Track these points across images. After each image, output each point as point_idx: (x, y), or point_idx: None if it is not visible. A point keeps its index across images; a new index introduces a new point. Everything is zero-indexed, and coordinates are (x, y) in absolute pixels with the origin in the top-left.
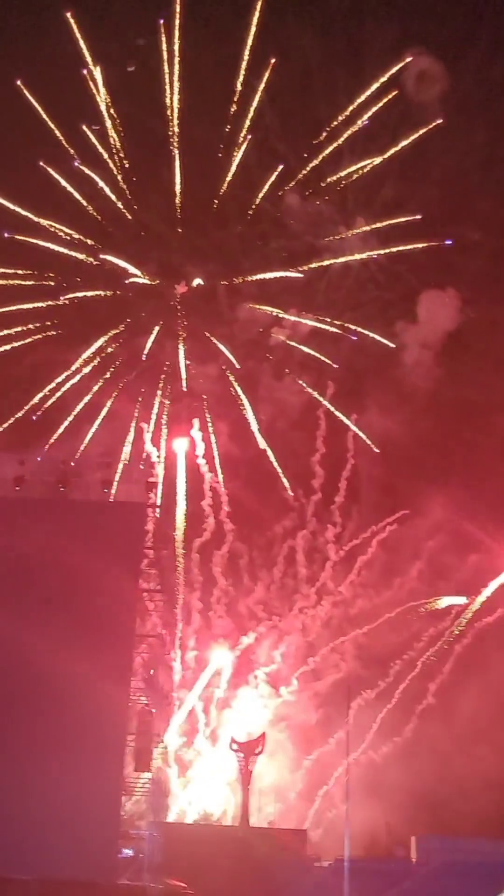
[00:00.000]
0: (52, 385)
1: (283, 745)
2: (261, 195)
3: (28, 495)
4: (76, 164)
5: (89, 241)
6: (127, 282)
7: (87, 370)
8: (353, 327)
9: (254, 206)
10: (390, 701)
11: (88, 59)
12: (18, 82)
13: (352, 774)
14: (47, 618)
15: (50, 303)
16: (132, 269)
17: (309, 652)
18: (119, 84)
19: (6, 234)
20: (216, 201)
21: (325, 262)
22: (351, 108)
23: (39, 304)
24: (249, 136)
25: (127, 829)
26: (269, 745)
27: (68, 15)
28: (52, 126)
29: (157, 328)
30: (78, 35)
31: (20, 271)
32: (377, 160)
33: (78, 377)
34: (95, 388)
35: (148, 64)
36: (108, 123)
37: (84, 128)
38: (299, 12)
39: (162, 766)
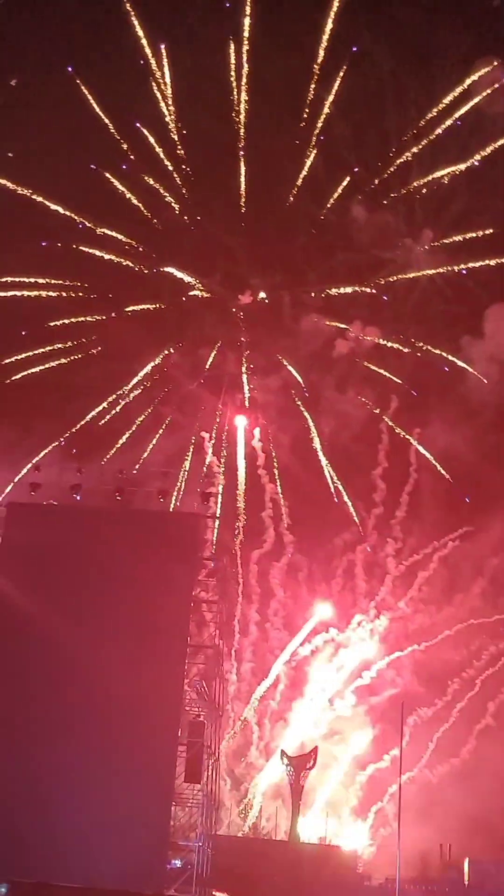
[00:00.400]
0: (113, 397)
1: (337, 760)
2: (328, 206)
3: (86, 504)
4: (135, 170)
5: (153, 255)
6: (185, 297)
7: (147, 383)
8: (420, 344)
9: (321, 218)
10: (448, 720)
11: (154, 64)
12: (83, 89)
13: (406, 794)
14: (102, 626)
15: (113, 314)
16: (193, 281)
17: (365, 666)
18: (185, 91)
19: (73, 246)
20: (282, 212)
21: (401, 276)
22: (423, 120)
23: (100, 318)
24: (322, 138)
25: (176, 841)
26: (322, 759)
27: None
28: (119, 137)
29: (219, 342)
30: (145, 43)
31: (85, 284)
32: (459, 167)
33: (139, 389)
34: (157, 399)
35: (215, 72)
36: (174, 134)
37: (147, 134)
38: (371, 22)
39: (214, 778)
